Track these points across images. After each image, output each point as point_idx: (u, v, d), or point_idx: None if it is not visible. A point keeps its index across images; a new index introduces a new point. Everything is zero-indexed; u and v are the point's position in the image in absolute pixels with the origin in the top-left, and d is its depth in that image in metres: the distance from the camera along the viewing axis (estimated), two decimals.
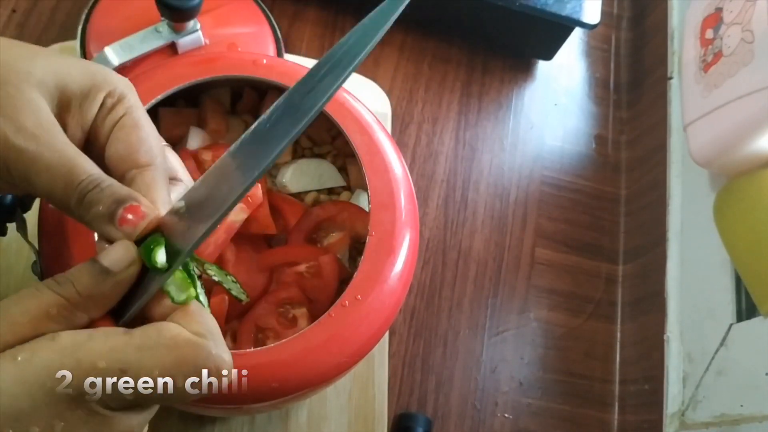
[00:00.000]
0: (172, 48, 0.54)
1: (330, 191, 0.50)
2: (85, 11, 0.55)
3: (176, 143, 0.48)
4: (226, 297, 0.43)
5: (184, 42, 0.54)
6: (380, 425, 0.55)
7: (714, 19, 0.58)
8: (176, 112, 0.48)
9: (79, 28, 0.55)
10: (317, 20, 0.69)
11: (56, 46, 0.59)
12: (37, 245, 0.39)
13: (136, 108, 0.29)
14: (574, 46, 0.77)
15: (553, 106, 0.74)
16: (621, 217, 0.71)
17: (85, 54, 0.54)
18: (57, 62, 0.28)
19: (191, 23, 0.53)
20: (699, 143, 0.56)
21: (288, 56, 0.64)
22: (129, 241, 0.26)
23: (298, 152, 0.50)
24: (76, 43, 0.55)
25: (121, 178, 0.28)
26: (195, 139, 0.47)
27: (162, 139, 0.30)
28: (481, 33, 0.71)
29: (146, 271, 0.26)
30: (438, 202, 0.67)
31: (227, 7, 0.58)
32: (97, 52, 0.54)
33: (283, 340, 0.37)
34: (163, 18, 0.52)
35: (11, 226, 0.41)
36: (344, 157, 0.50)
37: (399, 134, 0.68)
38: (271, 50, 0.59)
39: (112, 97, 0.29)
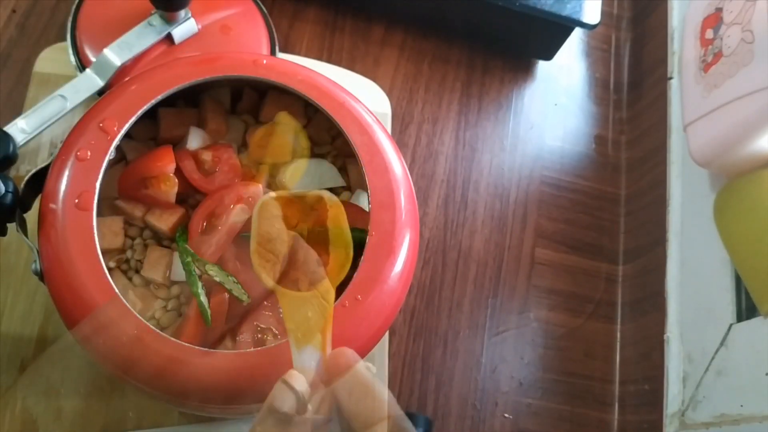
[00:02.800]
0: (168, 39, 0.54)
1: (330, 191, 0.50)
2: (71, 15, 0.55)
3: (176, 143, 0.48)
4: (227, 297, 0.43)
5: (179, 31, 0.53)
6: None
7: (714, 19, 0.58)
8: (176, 112, 0.48)
9: (68, 31, 0.55)
10: (317, 20, 0.69)
11: (56, 47, 0.59)
12: (37, 245, 0.39)
13: None
14: (574, 46, 0.77)
15: (553, 106, 0.74)
16: (621, 217, 0.71)
17: (79, 56, 0.54)
18: None
19: (182, 11, 0.53)
20: (699, 143, 0.56)
21: (288, 56, 0.64)
22: None
23: (297, 152, 0.50)
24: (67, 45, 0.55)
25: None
26: (195, 139, 0.47)
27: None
28: (481, 33, 0.71)
29: None
30: (438, 202, 0.67)
31: None
32: (93, 54, 0.54)
33: (283, 340, 0.37)
34: (154, 11, 0.52)
35: (11, 226, 0.41)
36: (344, 157, 0.50)
37: (399, 134, 0.68)
38: (264, 36, 0.59)
39: None
